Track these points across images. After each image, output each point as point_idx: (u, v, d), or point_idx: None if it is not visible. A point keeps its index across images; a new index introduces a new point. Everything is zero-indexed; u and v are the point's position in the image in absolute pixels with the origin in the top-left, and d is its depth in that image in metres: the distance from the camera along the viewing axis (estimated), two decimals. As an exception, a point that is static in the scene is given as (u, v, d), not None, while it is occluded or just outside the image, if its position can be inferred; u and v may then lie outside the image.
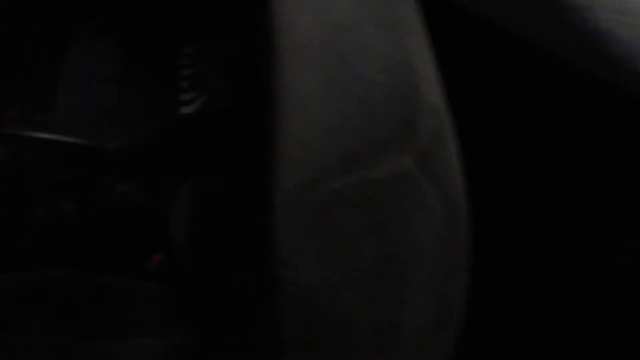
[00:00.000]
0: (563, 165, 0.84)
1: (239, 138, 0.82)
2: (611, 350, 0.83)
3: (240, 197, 0.68)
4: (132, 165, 0.87)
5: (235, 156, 0.78)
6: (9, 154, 0.89)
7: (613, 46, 0.46)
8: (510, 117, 0.90)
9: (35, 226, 0.80)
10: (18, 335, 0.64)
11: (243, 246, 0.62)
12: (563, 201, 0.86)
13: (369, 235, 0.33)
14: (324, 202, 0.34)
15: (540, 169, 0.88)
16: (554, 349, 0.83)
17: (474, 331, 0.50)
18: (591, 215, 0.82)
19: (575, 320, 0.85)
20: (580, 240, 0.84)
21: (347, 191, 0.34)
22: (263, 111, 0.45)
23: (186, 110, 0.95)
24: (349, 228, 0.33)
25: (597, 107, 0.68)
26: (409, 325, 0.35)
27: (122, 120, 0.88)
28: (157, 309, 0.73)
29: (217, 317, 0.65)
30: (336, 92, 0.36)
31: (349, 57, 0.37)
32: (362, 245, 0.33)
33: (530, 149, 0.90)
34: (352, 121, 0.35)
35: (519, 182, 0.88)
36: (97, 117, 0.90)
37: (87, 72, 0.98)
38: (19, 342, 0.63)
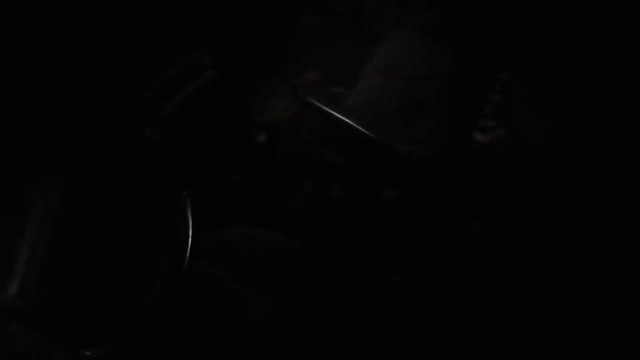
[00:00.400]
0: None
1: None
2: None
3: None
4: (408, 176, 0.82)
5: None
6: (299, 118, 0.91)
7: None
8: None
9: (306, 196, 0.80)
10: (240, 281, 0.65)
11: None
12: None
13: None
14: None
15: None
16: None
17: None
18: None
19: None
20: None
21: None
22: None
23: (480, 137, 0.88)
24: None
25: None
26: None
27: (416, 127, 0.84)
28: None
29: None
30: None
31: None
32: None
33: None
34: None
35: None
36: (391, 114, 0.87)
37: (395, 63, 0.96)
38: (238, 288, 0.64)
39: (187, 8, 0.69)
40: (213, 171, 0.72)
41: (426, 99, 0.88)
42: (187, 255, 0.60)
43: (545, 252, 0.69)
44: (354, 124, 0.79)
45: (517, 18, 0.96)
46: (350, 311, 0.71)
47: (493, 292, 0.68)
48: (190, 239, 0.60)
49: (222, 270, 0.64)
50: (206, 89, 0.73)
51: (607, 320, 0.62)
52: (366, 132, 0.78)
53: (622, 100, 0.79)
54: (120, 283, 0.57)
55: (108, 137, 0.55)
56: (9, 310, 0.46)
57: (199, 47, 0.70)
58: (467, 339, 0.65)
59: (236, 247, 0.69)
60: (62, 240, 0.49)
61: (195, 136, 0.69)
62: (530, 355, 0.62)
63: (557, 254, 0.69)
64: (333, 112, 0.81)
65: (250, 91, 0.91)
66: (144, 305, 0.58)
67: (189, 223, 0.60)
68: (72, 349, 0.48)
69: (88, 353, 0.49)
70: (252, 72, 0.97)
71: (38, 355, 0.47)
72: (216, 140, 0.74)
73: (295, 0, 1.07)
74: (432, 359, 0.67)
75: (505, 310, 0.64)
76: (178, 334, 0.59)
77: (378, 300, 0.75)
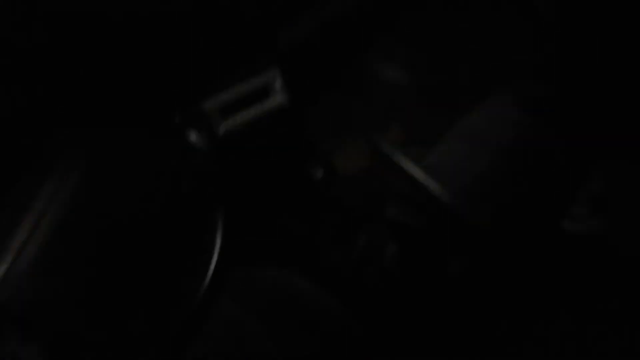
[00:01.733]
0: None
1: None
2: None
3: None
4: (478, 250, 0.72)
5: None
6: (368, 172, 0.84)
7: None
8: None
9: (356, 251, 0.72)
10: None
11: None
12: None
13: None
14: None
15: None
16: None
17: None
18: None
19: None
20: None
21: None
22: None
23: (570, 226, 0.76)
24: None
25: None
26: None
27: (497, 201, 0.75)
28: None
29: None
30: None
31: None
32: None
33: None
34: None
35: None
36: (471, 183, 0.78)
37: (483, 131, 0.87)
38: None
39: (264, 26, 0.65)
40: (257, 198, 0.65)
41: (513, 174, 0.78)
42: (207, 281, 0.53)
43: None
44: (433, 188, 0.71)
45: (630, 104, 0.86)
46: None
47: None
48: (213, 265, 0.53)
49: (241, 312, 0.56)
50: (271, 115, 0.68)
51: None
52: (440, 196, 0.70)
53: None
54: (126, 299, 0.50)
55: (145, 132, 0.50)
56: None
57: (274, 67, 0.66)
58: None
59: (264, 291, 0.61)
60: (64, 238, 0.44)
61: (246, 158, 0.63)
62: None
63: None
64: (410, 169, 0.74)
65: (321, 132, 0.85)
66: (147, 328, 0.50)
67: (215, 246, 0.53)
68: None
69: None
70: (328, 114, 0.92)
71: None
72: (268, 166, 0.68)
73: (386, 55, 1.03)
74: None
75: None
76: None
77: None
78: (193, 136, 0.54)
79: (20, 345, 0.42)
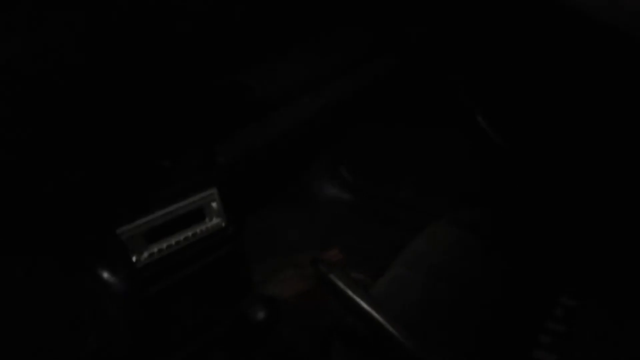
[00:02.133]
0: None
1: None
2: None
3: None
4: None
5: None
6: (309, 298, 0.74)
7: None
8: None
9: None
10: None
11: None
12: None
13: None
14: None
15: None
16: None
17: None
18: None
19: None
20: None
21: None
22: None
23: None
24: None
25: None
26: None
27: (453, 339, 0.68)
28: None
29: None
30: None
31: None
32: None
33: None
34: None
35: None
36: (423, 318, 0.70)
37: (432, 261, 0.81)
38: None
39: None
40: (189, 346, 0.53)
41: (467, 308, 0.71)
42: None
43: None
44: (384, 321, 0.61)
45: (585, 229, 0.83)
46: None
47: None
48: None
49: None
50: (206, 239, 0.57)
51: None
52: (396, 334, 0.60)
53: None
54: None
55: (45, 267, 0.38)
56: None
57: (211, 188, 0.56)
58: None
59: None
60: None
61: (172, 293, 0.51)
62: None
63: None
64: (358, 300, 0.63)
65: (258, 256, 0.74)
66: None
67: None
68: None
69: None
70: (266, 234, 0.82)
71: None
72: (201, 304, 0.56)
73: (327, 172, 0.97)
74: None
75: None
76: None
77: None
78: (105, 273, 0.42)
79: None
